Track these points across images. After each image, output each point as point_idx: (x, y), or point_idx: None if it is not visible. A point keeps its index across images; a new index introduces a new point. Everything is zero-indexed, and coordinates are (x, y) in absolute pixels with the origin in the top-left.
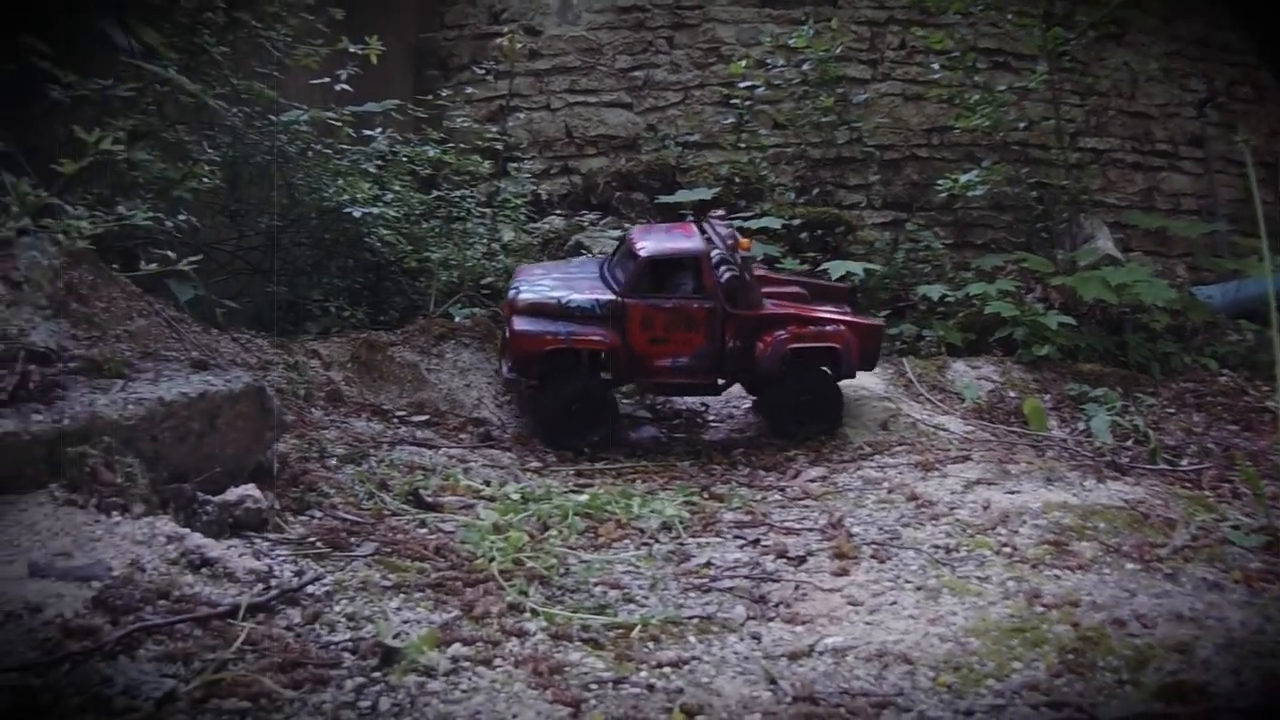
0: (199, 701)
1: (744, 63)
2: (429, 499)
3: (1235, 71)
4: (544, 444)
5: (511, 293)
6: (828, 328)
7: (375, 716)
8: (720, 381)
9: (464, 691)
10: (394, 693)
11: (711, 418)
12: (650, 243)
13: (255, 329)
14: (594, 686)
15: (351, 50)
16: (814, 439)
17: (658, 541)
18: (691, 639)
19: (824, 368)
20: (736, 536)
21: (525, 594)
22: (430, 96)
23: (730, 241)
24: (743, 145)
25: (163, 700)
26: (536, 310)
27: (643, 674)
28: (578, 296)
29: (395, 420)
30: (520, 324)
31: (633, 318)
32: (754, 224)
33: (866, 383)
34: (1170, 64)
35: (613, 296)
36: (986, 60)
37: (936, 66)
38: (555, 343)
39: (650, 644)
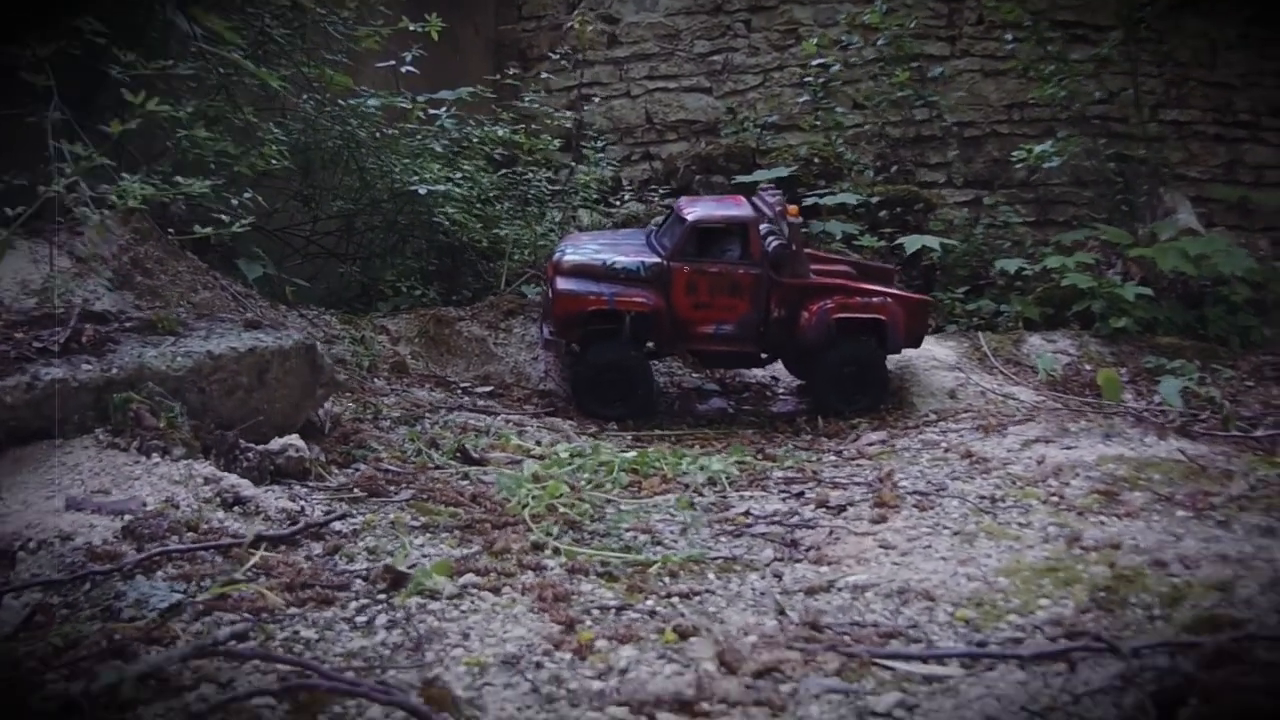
0: (202, 613)
1: (816, 40)
2: (476, 455)
3: None
4: (577, 408)
5: (556, 255)
6: (874, 299)
7: (370, 629)
8: (764, 355)
9: (462, 611)
10: (393, 611)
11: (781, 390)
12: (698, 209)
13: (327, 308)
14: (595, 612)
15: (412, 28)
16: (878, 410)
17: (700, 495)
18: (711, 576)
19: (870, 342)
20: (782, 491)
21: (550, 534)
22: (498, 76)
23: (779, 209)
24: (819, 124)
25: (168, 611)
26: (581, 271)
27: (649, 603)
28: (622, 258)
29: (459, 391)
30: (564, 284)
31: (677, 281)
32: (830, 200)
33: (937, 354)
34: (1250, 31)
35: (658, 259)
36: (1065, 32)
37: (1010, 37)
38: (598, 303)
39: (667, 579)
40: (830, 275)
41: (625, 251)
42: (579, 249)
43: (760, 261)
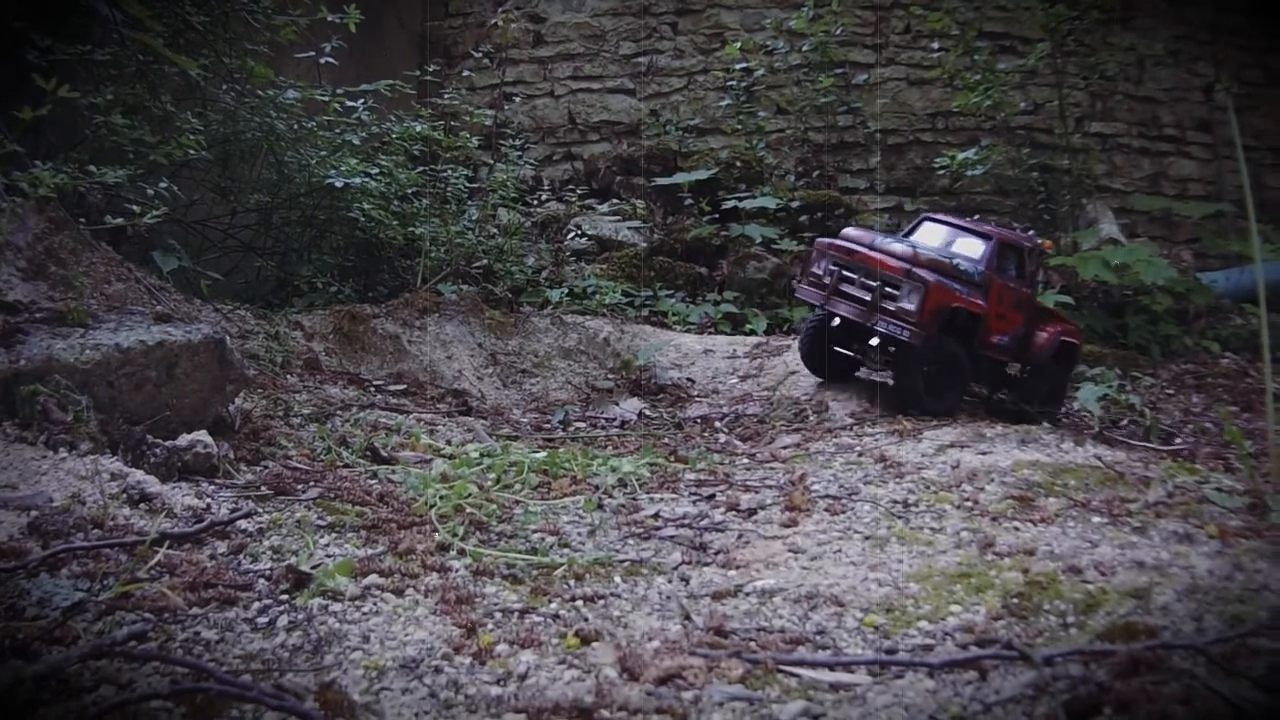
0: (105, 612)
1: (740, 45)
2: (385, 453)
3: (1245, 55)
4: (912, 404)
5: (891, 243)
6: (1071, 325)
7: (271, 630)
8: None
9: (364, 613)
10: (295, 612)
11: (696, 393)
12: (987, 226)
13: (242, 303)
14: (498, 615)
15: (330, 19)
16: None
17: (610, 496)
18: (617, 579)
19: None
20: (692, 493)
21: (456, 535)
22: (417, 72)
23: (1035, 239)
24: (741, 128)
25: (70, 609)
26: (936, 266)
27: (553, 606)
28: (963, 260)
29: (372, 389)
30: (932, 277)
31: (993, 289)
32: (749, 204)
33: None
34: (1178, 47)
35: (983, 267)
36: (992, 44)
37: (936, 45)
38: (959, 300)
39: (572, 582)
40: None
41: (949, 252)
42: (907, 243)
43: (1030, 282)
